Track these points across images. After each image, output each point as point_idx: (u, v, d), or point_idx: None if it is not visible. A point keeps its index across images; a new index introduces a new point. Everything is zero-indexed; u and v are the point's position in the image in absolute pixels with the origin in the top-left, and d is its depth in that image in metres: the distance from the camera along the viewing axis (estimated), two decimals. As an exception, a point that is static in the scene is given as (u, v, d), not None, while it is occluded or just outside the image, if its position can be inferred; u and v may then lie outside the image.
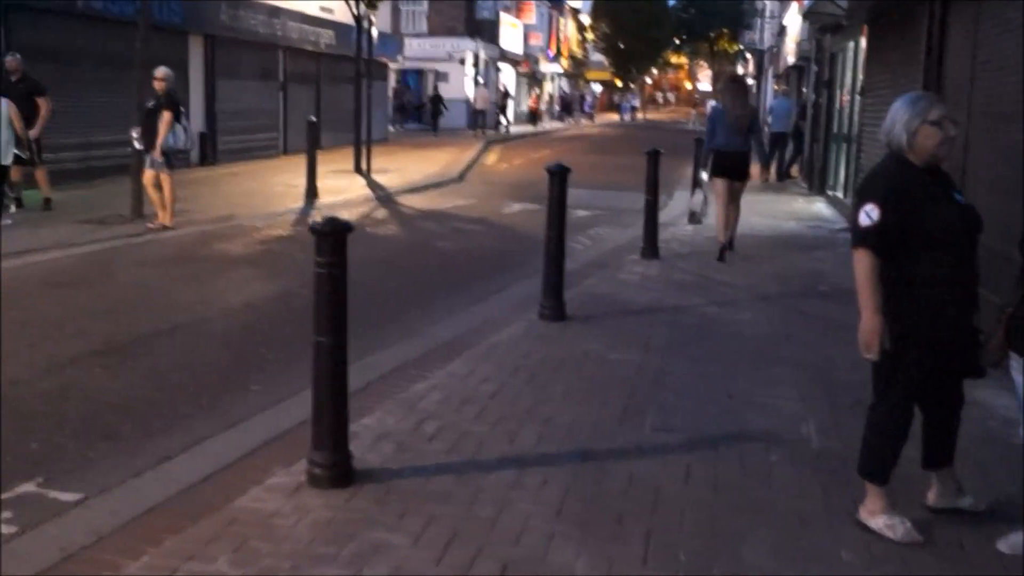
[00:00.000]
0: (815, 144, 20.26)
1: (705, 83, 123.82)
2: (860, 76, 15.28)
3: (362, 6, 20.69)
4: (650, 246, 11.07)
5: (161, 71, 12.33)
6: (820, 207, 17.20)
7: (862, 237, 4.04)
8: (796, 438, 5.32)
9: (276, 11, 24.97)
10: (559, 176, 7.78)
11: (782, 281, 10.15)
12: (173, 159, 12.53)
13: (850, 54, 16.81)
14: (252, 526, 4.02)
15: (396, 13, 40.68)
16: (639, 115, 72.66)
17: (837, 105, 18.46)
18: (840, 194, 16.67)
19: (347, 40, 25.16)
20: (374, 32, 22.58)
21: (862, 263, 4.03)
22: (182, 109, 12.46)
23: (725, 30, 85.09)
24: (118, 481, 4.55)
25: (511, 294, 9.17)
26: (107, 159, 17.42)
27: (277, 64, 25.94)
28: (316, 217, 14.21)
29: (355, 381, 4.94)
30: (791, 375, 6.55)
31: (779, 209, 16.64)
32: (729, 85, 11.92)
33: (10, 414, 5.53)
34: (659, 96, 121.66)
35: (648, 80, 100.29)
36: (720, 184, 11.25)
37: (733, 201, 11.41)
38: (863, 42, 15.00)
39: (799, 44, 24.90)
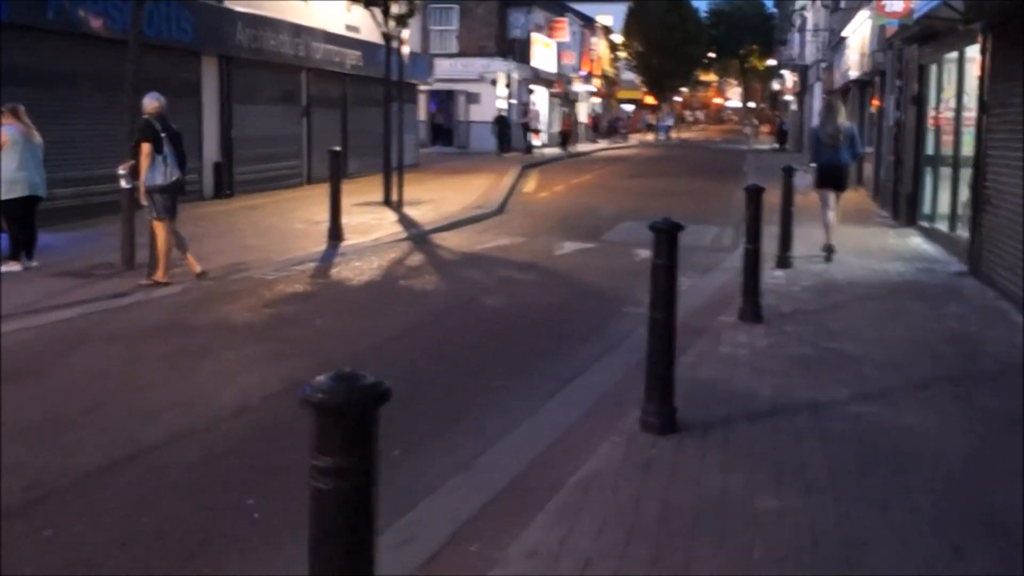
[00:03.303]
0: (898, 168, 18.01)
1: (734, 100, 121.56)
2: (971, 90, 13.07)
3: (391, 23, 18.71)
4: (751, 307, 8.90)
5: (148, 102, 10.36)
6: (918, 242, 14.93)
7: None
8: None
9: (298, 30, 23.06)
10: (667, 235, 5.64)
11: (929, 353, 7.93)
12: (164, 198, 10.38)
13: (952, 65, 14.58)
14: None
15: (426, 33, 38.88)
16: (672, 134, 70.36)
17: (928, 124, 16.25)
18: (943, 227, 14.40)
19: (375, 61, 23.25)
20: (405, 51, 20.59)
21: None
22: (163, 136, 10.22)
23: (755, 47, 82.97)
24: None
25: (591, 382, 7.01)
26: (109, 195, 15.42)
27: (300, 87, 24.04)
28: (336, 271, 12.46)
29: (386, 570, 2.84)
30: (1039, 540, 4.37)
31: (872, 245, 14.44)
32: (823, 108, 13.91)
33: None
34: (689, 115, 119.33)
35: (678, 99, 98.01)
36: (823, 193, 12.71)
37: (834, 209, 12.80)
38: (974, 52, 12.80)
39: (868, 56, 22.68)
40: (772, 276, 11.45)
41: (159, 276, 10.37)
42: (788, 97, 62.28)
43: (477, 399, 6.76)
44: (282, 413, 6.30)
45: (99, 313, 9.22)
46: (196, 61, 19.43)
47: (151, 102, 10.37)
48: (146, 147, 10.21)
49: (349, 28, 25.60)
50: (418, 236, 15.24)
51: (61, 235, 13.35)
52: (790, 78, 58.82)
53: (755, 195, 8.83)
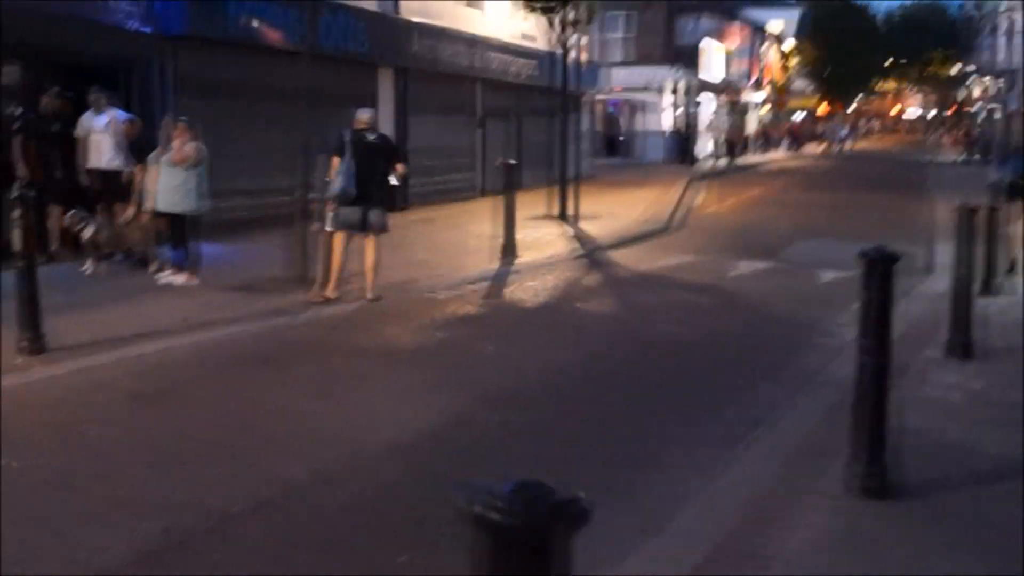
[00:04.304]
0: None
1: (913, 109, 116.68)
2: None
3: (567, 31, 18.31)
4: (961, 340, 8.08)
5: (362, 115, 10.39)
6: None
7: None
8: None
9: (473, 40, 22.93)
10: (881, 268, 5.00)
11: None
12: (340, 211, 10.11)
13: None
14: None
15: (595, 41, 38.40)
16: (848, 145, 67.62)
17: None
18: None
19: (548, 70, 22.91)
20: (582, 60, 20.17)
21: None
22: (347, 148, 10.03)
23: (942, 51, 79.03)
24: None
25: (782, 434, 6.32)
26: (283, 207, 15.45)
27: (474, 98, 23.87)
28: (510, 290, 12.00)
29: None
30: None
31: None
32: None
33: None
34: (863, 124, 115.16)
35: (853, 108, 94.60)
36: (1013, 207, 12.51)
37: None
38: None
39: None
40: (978, 304, 10.50)
41: (328, 292, 10.19)
42: (977, 105, 59.26)
43: (655, 445, 6.18)
44: (442, 454, 5.89)
45: (261, 330, 9.03)
46: (373, 72, 19.47)
47: (359, 114, 10.41)
48: (332, 160, 10.13)
49: (525, 37, 25.36)
50: (592, 252, 14.78)
51: (235, 247, 13.40)
52: (980, 85, 55.95)
53: (968, 215, 8.04)
